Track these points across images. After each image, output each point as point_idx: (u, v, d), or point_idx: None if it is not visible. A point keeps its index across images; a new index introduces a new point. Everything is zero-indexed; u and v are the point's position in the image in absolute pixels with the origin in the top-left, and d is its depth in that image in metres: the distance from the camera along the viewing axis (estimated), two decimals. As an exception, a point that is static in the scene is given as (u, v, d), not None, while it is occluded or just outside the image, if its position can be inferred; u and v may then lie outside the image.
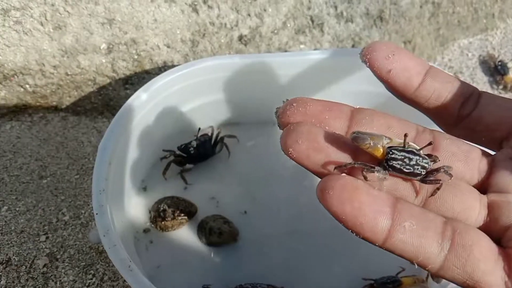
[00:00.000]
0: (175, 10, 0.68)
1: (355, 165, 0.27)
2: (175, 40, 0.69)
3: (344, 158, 0.27)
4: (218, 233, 0.58)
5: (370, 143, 0.27)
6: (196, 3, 0.69)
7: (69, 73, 0.67)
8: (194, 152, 0.62)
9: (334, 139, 0.27)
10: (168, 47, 0.69)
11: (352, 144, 0.27)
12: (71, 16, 0.63)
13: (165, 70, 0.68)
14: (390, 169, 0.27)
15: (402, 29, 0.74)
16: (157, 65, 0.69)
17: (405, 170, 0.27)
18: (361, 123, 0.28)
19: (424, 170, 0.27)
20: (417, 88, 0.30)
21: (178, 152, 0.63)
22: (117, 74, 0.68)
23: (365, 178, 0.27)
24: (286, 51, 0.72)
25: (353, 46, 0.73)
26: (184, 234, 0.60)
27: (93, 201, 0.47)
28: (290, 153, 0.27)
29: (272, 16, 0.72)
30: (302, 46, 0.73)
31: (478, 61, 0.83)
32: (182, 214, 0.59)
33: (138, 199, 0.62)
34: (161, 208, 0.59)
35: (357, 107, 0.30)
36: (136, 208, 0.61)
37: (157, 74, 0.66)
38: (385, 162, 0.27)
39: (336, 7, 0.73)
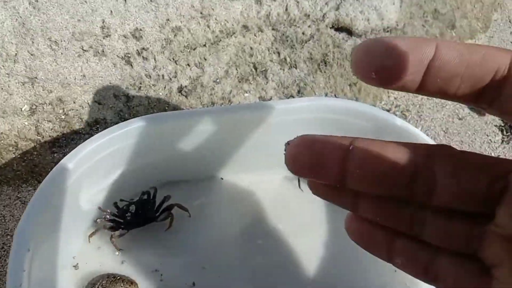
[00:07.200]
0: (106, 63, 0.63)
1: None
2: (107, 96, 0.63)
3: None
4: (163, 313, 0.51)
5: None
6: (129, 55, 0.64)
7: (-15, 139, 0.60)
8: (131, 219, 0.56)
9: None
10: (100, 103, 0.63)
11: None
12: (-16, 77, 0.57)
13: (97, 129, 0.62)
14: None
15: (347, 72, 0.73)
16: (87, 124, 0.62)
17: None
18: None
19: None
20: None
21: (111, 215, 0.56)
22: (42, 137, 0.61)
23: None
24: (230, 100, 0.68)
25: (298, 92, 0.70)
26: (124, 317, 0.53)
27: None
28: None
29: (213, 65, 0.68)
30: (246, 94, 0.69)
31: (424, 98, 0.82)
32: (121, 296, 0.52)
33: (68, 280, 0.54)
34: (96, 290, 0.52)
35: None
36: (67, 290, 0.54)
37: (88, 133, 0.61)
38: None
39: (279, 53, 0.71)
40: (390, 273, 0.60)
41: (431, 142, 0.57)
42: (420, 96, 0.82)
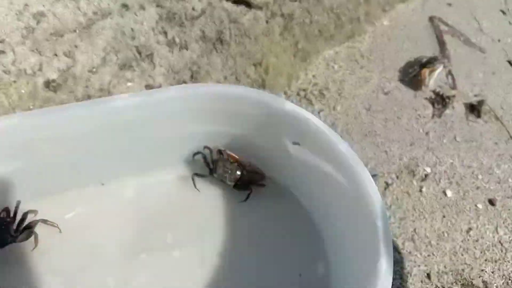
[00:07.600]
0: (-50, 61, 0.53)
1: None
2: (-44, 98, 0.54)
3: None
4: None
5: None
6: (-20, 49, 0.54)
7: None
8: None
9: None
10: None
11: None
12: None
13: None
14: None
15: (248, 51, 0.64)
16: None
17: None
18: None
19: None
20: None
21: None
22: None
23: None
24: (109, 91, 0.60)
25: (192, 76, 0.62)
26: None
27: None
28: None
29: (86, 52, 0.59)
30: (129, 83, 0.60)
31: (346, 73, 0.74)
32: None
33: None
34: None
35: None
36: None
37: None
38: None
39: (166, 33, 0.62)
40: (295, 277, 0.54)
41: (323, 125, 0.49)
42: (341, 72, 0.74)
